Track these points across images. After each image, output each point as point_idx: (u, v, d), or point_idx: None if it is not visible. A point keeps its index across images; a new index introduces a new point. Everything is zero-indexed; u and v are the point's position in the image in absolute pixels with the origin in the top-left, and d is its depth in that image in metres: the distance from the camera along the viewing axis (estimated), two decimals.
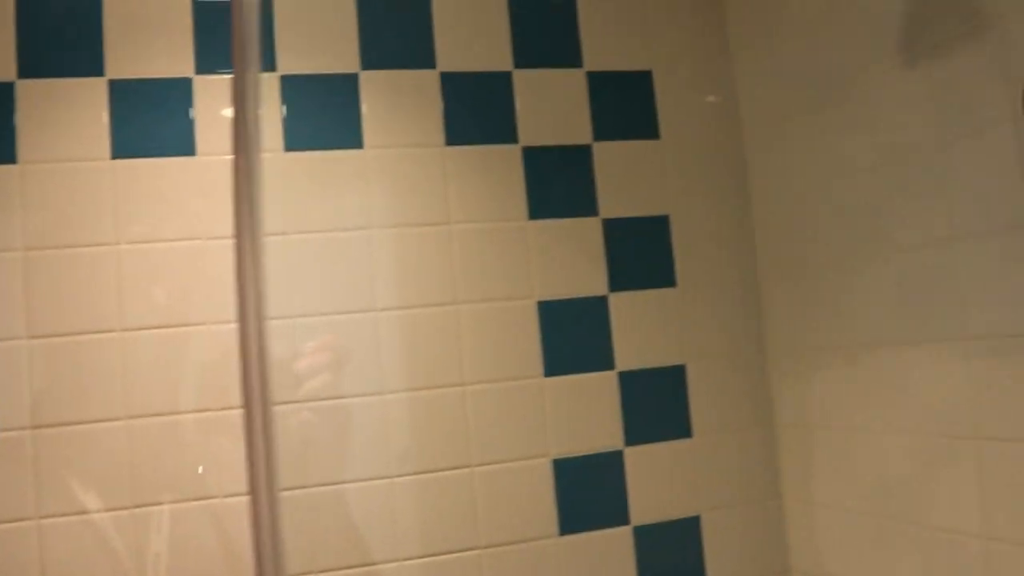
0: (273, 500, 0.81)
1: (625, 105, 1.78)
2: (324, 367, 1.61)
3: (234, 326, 1.56)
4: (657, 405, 1.73)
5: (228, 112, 1.61)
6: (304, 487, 1.57)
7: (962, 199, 1.29)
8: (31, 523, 1.47)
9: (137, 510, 1.51)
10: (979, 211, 1.26)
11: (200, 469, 1.53)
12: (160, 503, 1.51)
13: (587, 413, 1.70)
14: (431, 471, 1.63)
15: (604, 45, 1.78)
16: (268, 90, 1.63)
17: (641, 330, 1.73)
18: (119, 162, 1.57)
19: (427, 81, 1.69)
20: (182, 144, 1.59)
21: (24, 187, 1.54)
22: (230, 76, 1.60)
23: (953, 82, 1.30)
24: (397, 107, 1.68)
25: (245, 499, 0.86)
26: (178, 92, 1.60)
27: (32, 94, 1.56)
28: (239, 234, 0.75)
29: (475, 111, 1.70)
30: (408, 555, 1.61)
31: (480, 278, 1.67)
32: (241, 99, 0.77)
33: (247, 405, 0.82)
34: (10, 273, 1.52)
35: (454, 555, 1.63)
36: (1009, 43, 1.19)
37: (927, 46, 1.35)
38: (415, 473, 1.62)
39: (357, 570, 1.58)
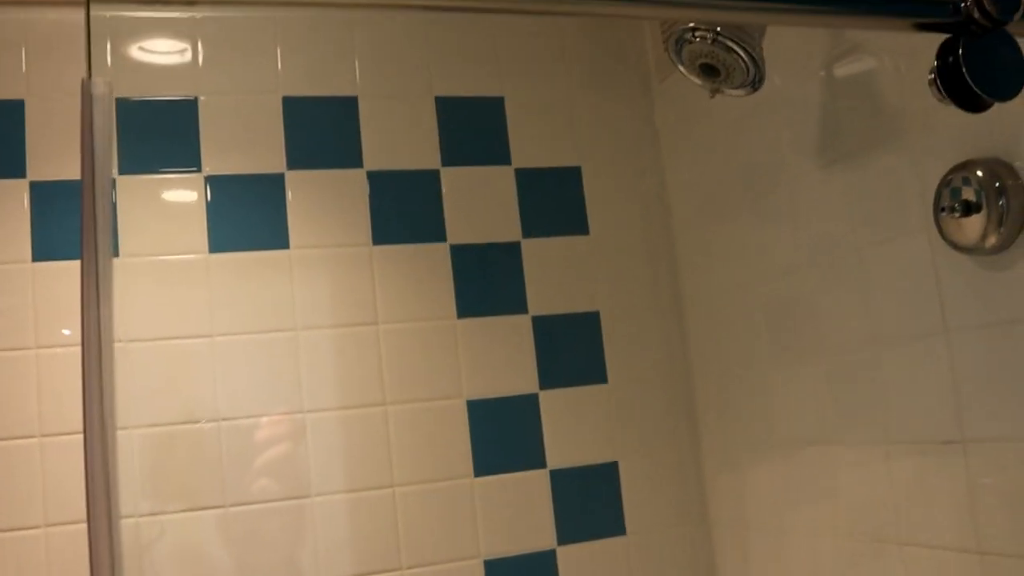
0: None
1: (554, 201, 1.78)
2: (284, 436, 1.58)
3: (159, 429, 1.54)
4: (590, 503, 1.71)
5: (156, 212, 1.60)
6: None
7: (881, 304, 1.30)
8: None
9: None
10: (897, 317, 1.27)
11: None
12: None
13: (519, 512, 1.67)
14: (362, 575, 1.59)
15: (532, 142, 1.79)
16: (193, 191, 1.62)
17: (573, 428, 1.72)
18: (40, 265, 1.55)
19: (354, 180, 1.69)
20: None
21: None
22: (152, 176, 1.60)
23: (869, 188, 1.32)
24: (324, 206, 1.67)
25: None
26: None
27: None
28: (85, 341, 0.71)
29: (403, 209, 1.70)
30: None
31: (409, 378, 1.65)
32: (90, 204, 0.73)
33: (91, 518, 0.76)
34: None
35: None
36: (920, 152, 1.21)
37: (843, 152, 1.37)
38: None
39: None
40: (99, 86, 0.66)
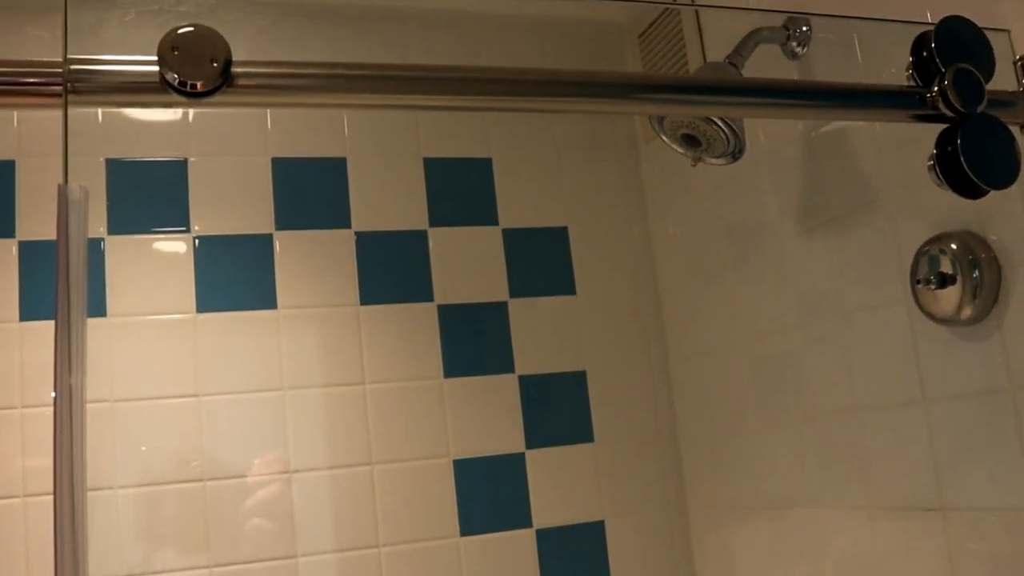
0: None
1: (541, 261, 1.80)
2: (271, 495, 1.58)
3: (139, 490, 1.54)
4: (576, 563, 1.70)
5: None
6: None
7: (864, 369, 1.31)
8: None
9: None
10: (878, 383, 1.28)
11: None
12: None
13: (505, 573, 1.67)
14: None
15: (519, 202, 1.81)
16: (181, 252, 1.63)
17: (559, 487, 1.72)
18: (28, 324, 1.56)
19: (342, 240, 1.70)
20: (93, 306, 1.58)
21: None
22: (141, 236, 1.62)
23: (851, 253, 1.33)
24: (312, 267, 1.68)
25: None
26: (91, 251, 1.60)
27: None
28: (58, 401, 0.72)
29: (390, 270, 1.71)
30: None
31: (395, 438, 1.66)
32: (65, 265, 0.75)
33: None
34: None
35: None
36: (898, 220, 1.23)
37: (826, 216, 1.39)
38: None
39: None
40: (75, 192, 0.67)
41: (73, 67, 0.70)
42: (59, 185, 0.68)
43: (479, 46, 1.82)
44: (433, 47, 1.78)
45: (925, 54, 0.95)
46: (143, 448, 1.56)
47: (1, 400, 1.53)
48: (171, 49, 0.71)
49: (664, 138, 1.46)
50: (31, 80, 0.70)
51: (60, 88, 0.70)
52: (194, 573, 1.54)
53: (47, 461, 1.49)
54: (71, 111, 0.70)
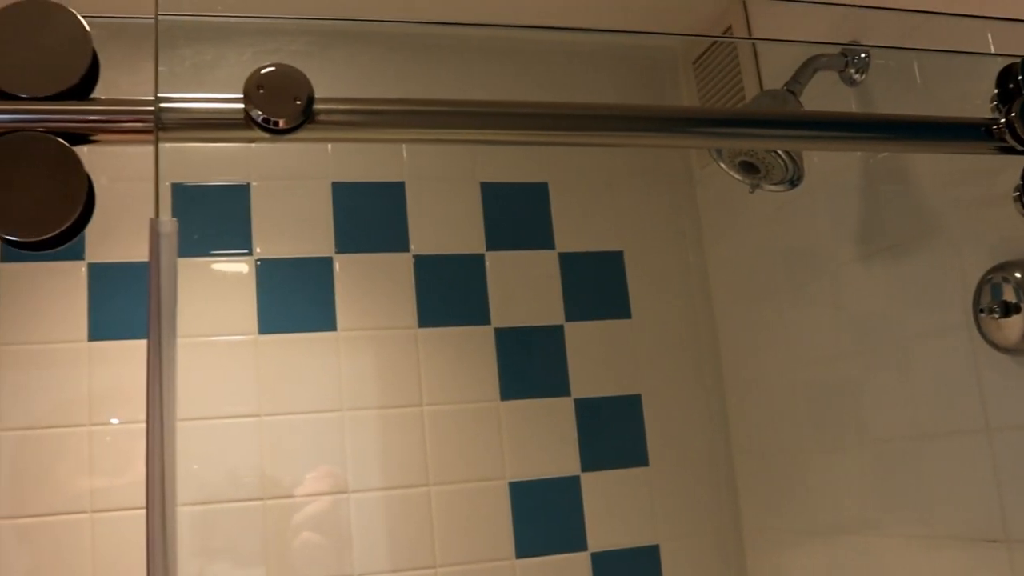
0: None
1: (597, 285, 1.81)
2: (329, 516, 1.60)
3: (201, 508, 1.57)
4: None
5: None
6: None
7: (923, 396, 1.30)
8: None
9: None
10: (939, 411, 1.27)
11: None
12: None
13: None
14: None
15: (575, 227, 1.82)
16: (244, 273, 1.66)
17: (614, 510, 1.72)
18: (96, 344, 1.60)
19: (401, 264, 1.73)
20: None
21: (1, 368, 1.56)
22: (206, 259, 1.65)
23: (911, 282, 1.33)
24: (370, 289, 1.71)
25: None
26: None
27: (12, 277, 1.59)
28: (149, 420, 0.75)
29: (447, 293, 1.74)
30: None
31: (452, 459, 1.67)
32: (156, 288, 0.78)
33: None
34: None
35: None
36: (961, 248, 1.23)
37: (884, 242, 1.39)
38: None
39: None
40: (166, 225, 0.70)
41: (163, 105, 0.73)
42: (151, 220, 0.71)
43: (534, 75, 1.84)
44: (489, 76, 1.80)
45: (1011, 85, 0.95)
46: (195, 467, 1.59)
47: (69, 418, 1.56)
48: (256, 88, 0.73)
49: (722, 165, 1.47)
50: (124, 118, 0.73)
51: (152, 125, 0.72)
52: None
53: (113, 478, 1.54)
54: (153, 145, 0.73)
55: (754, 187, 1.47)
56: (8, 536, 1.50)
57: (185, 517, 1.57)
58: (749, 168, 1.42)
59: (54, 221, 0.81)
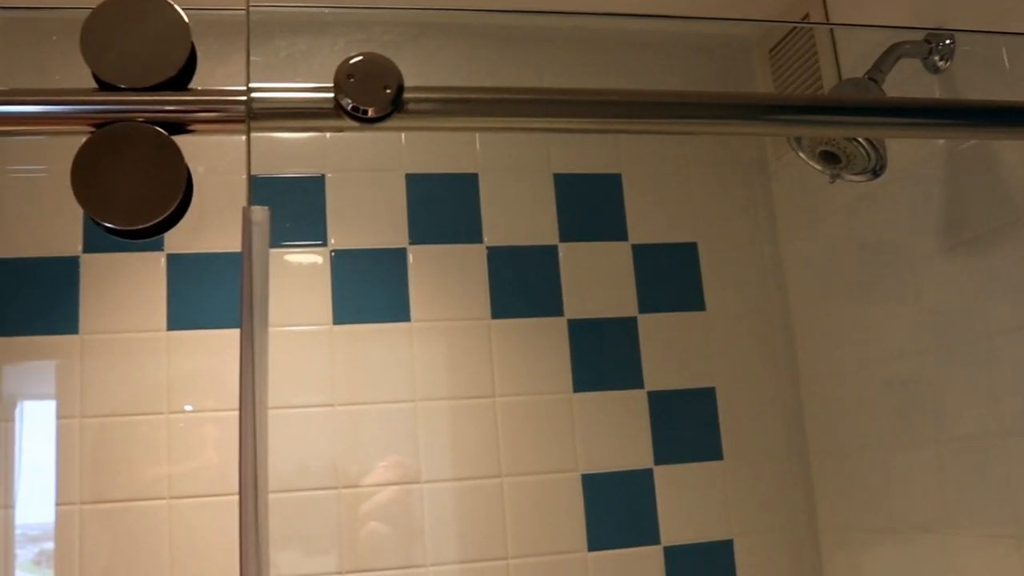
0: None
1: (670, 277, 1.80)
2: (401, 505, 1.62)
3: (281, 495, 1.59)
4: None
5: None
6: None
7: (1009, 394, 1.27)
8: None
9: None
10: None
11: None
12: None
13: None
14: None
15: (649, 218, 1.81)
16: (319, 264, 1.68)
17: (687, 504, 1.71)
18: (174, 333, 1.62)
19: (474, 255, 1.73)
20: (230, 317, 1.64)
21: (84, 356, 1.59)
22: (281, 249, 1.67)
23: (995, 275, 1.30)
24: (444, 280, 1.71)
25: None
26: (231, 265, 1.66)
27: (95, 267, 1.62)
28: (242, 407, 0.76)
29: (521, 284, 1.73)
30: None
31: (524, 451, 1.67)
32: (249, 282, 0.79)
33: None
34: (69, 440, 1.56)
35: None
36: None
37: (968, 235, 1.35)
38: None
39: None
40: (258, 213, 0.71)
41: (255, 95, 0.74)
42: (243, 208, 0.72)
43: (608, 65, 1.83)
44: (565, 66, 1.80)
45: None
46: (270, 455, 1.60)
47: (149, 406, 1.59)
48: (346, 76, 0.74)
49: (802, 155, 1.45)
50: (218, 108, 0.74)
51: (244, 114, 0.73)
52: None
53: (191, 465, 1.56)
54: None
55: (834, 177, 1.44)
56: (91, 520, 1.53)
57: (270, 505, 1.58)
58: (830, 158, 1.40)
59: (154, 210, 0.82)
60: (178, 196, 0.85)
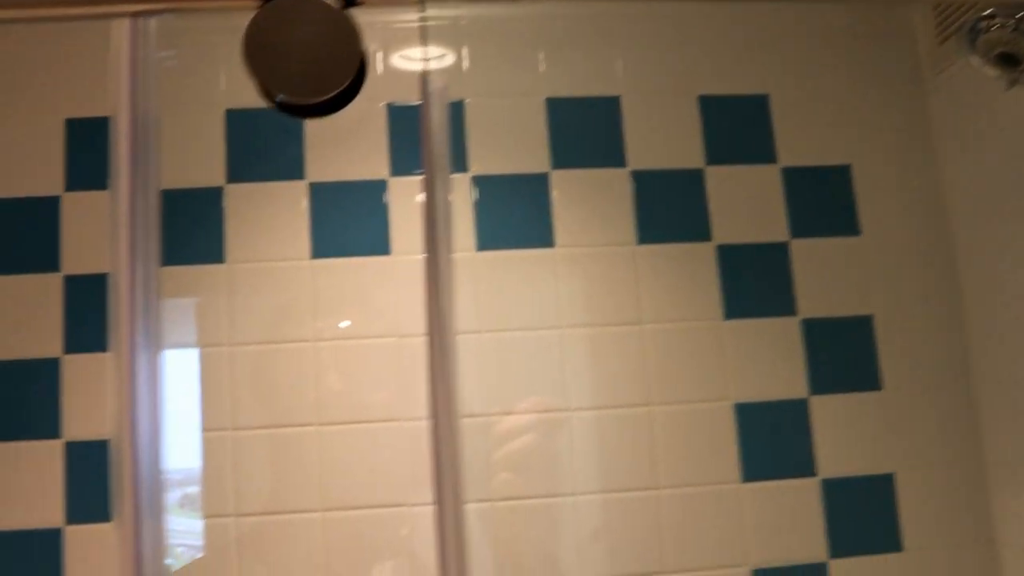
0: None
1: (823, 201, 1.71)
2: (531, 427, 1.59)
3: (426, 423, 1.57)
4: (864, 516, 1.62)
5: (421, 212, 1.64)
6: None
7: None
8: None
9: None
10: None
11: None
12: None
13: (788, 521, 1.60)
14: None
15: (799, 140, 1.73)
16: (460, 190, 1.65)
17: (845, 436, 1.64)
18: (318, 261, 1.62)
19: (618, 179, 1.68)
20: (377, 243, 1.62)
21: (231, 286, 1.59)
22: (422, 177, 1.64)
23: None
24: (588, 206, 1.67)
25: None
26: (374, 193, 1.64)
27: (239, 197, 1.62)
28: (431, 332, 0.74)
29: (667, 209, 1.68)
30: None
31: (674, 379, 1.62)
32: (432, 201, 0.77)
33: (439, 502, 0.80)
34: (217, 368, 1.57)
35: None
36: None
37: None
38: None
39: None
40: (435, 82, 0.68)
41: None
42: (420, 73, 0.69)
43: None
44: None
45: None
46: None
47: (295, 333, 1.59)
48: None
49: (974, 59, 1.36)
50: None
51: None
52: (469, 507, 1.56)
53: (337, 389, 1.55)
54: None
55: (1012, 83, 1.35)
56: (248, 446, 1.54)
57: (405, 432, 1.57)
58: (1009, 60, 1.31)
59: (327, 86, 0.79)
60: (353, 70, 0.82)
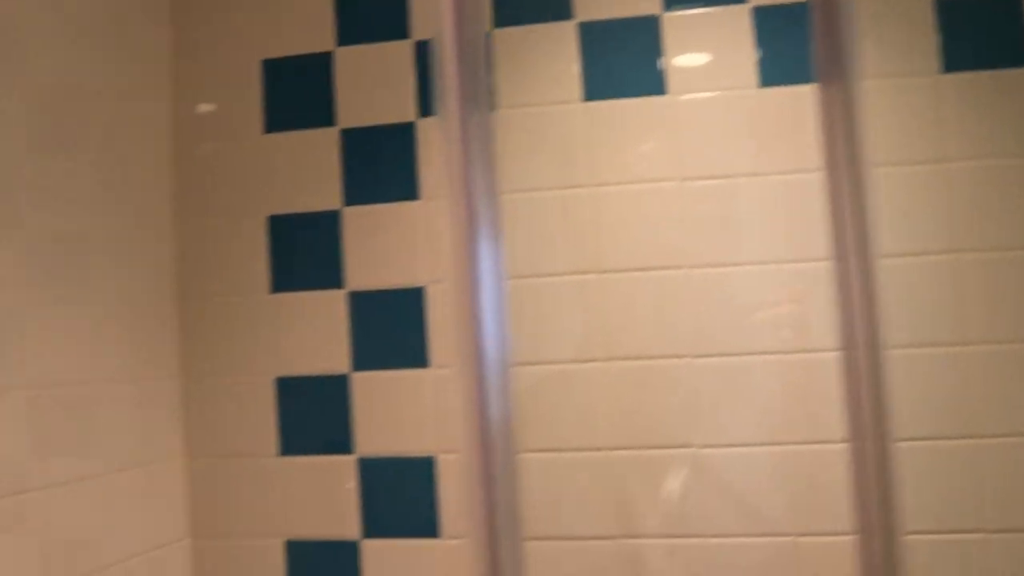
0: (884, 450, 0.70)
1: None
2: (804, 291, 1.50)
3: (712, 271, 1.49)
4: None
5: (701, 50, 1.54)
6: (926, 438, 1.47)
7: None
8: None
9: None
10: None
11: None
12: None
13: None
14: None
15: None
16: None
17: None
18: (591, 104, 1.55)
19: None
20: (652, 84, 1.54)
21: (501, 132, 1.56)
22: (700, 11, 1.52)
23: None
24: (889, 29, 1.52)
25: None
26: (647, 31, 1.55)
27: (509, 41, 1.57)
28: (831, 167, 0.65)
29: (980, 33, 1.50)
30: None
31: (982, 223, 1.46)
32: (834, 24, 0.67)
33: (846, 347, 0.72)
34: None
35: None
36: None
37: None
38: None
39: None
40: None
41: None
42: None
43: None
44: None
45: None
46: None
47: (569, 179, 1.55)
48: None
49: None
50: None
51: None
52: (706, 361, 1.50)
53: (629, 241, 1.49)
54: None
55: None
56: (520, 294, 1.52)
57: (638, 282, 1.51)
58: None
59: None
60: None
